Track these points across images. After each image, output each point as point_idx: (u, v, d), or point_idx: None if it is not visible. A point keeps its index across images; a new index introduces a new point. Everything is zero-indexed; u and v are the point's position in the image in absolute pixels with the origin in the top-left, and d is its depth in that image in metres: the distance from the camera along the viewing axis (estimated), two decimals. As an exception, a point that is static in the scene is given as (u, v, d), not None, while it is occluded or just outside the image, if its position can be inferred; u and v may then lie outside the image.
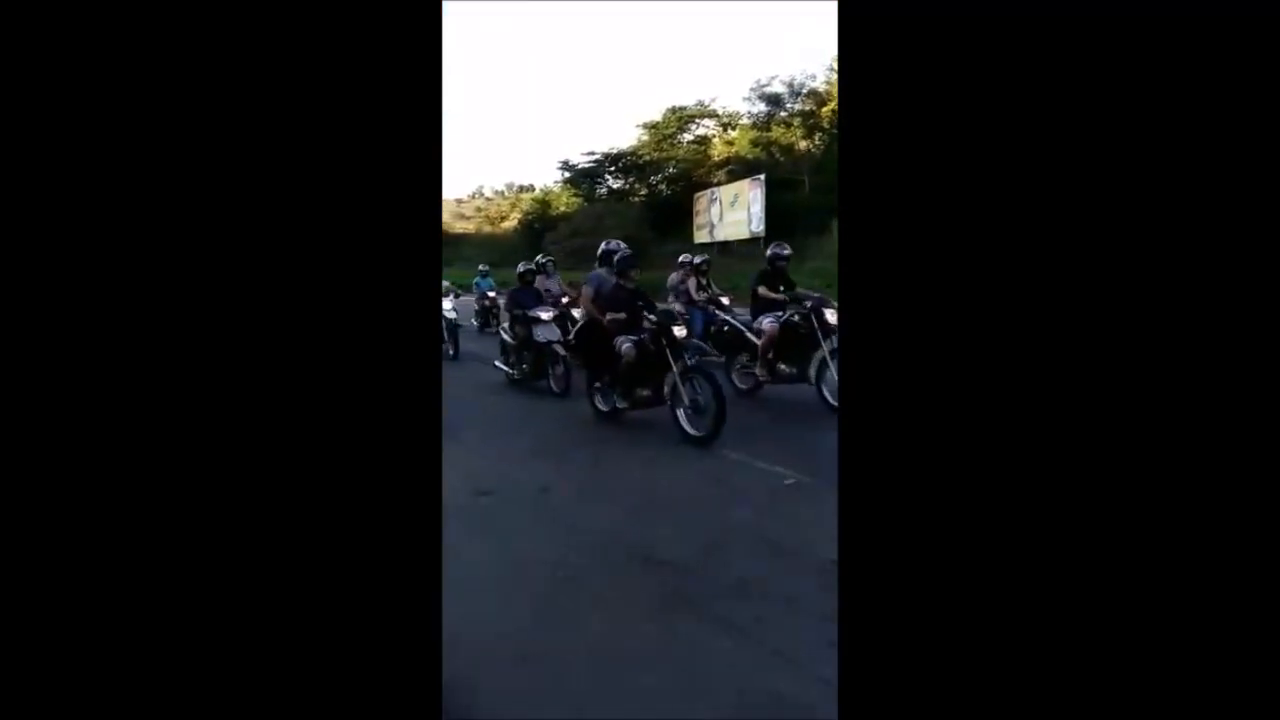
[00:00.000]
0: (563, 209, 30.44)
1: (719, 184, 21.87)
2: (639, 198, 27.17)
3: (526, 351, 6.01)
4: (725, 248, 20.39)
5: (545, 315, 5.94)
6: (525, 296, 6.31)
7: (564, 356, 5.57)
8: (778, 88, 23.93)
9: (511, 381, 6.30)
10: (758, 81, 26.91)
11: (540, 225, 30.40)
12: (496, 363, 6.56)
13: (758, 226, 18.62)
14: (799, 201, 19.23)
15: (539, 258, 7.26)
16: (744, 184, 19.95)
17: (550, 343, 5.73)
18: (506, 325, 6.42)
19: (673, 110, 26.28)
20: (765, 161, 21.99)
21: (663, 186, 26.52)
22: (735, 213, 20.00)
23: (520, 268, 6.69)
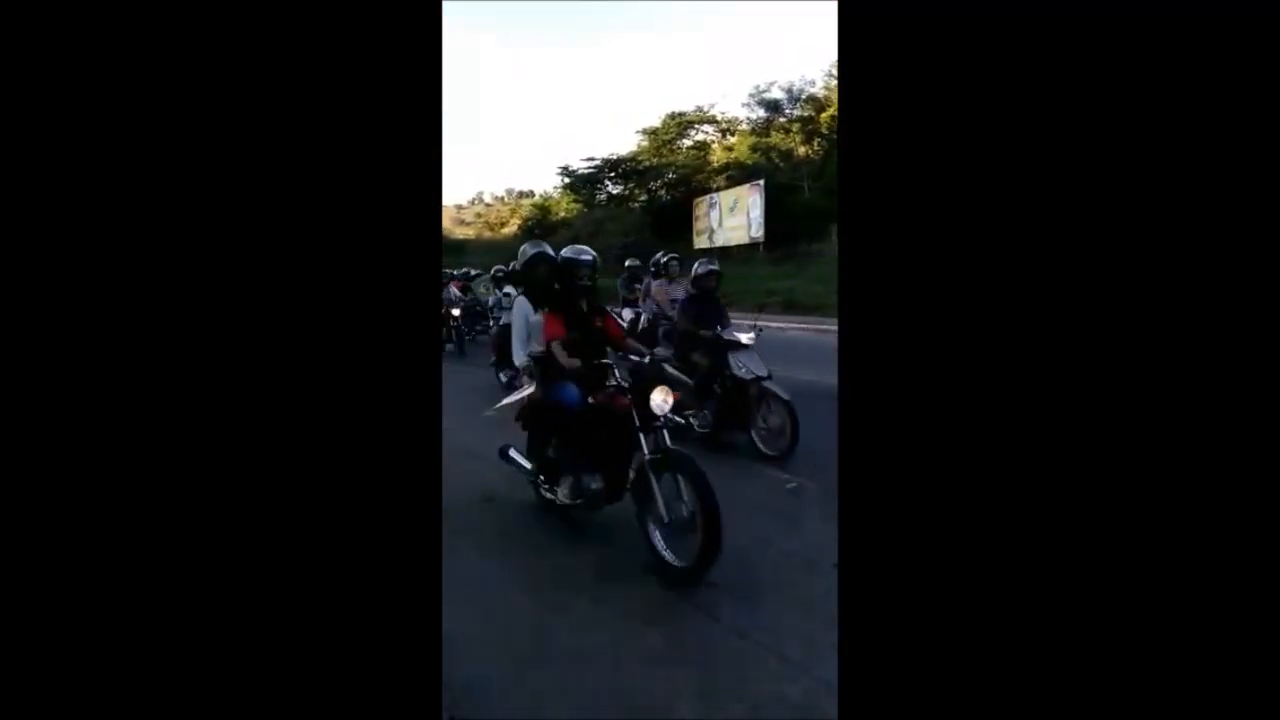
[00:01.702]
0: (563, 214, 30.57)
1: (718, 189, 21.92)
2: (639, 203, 27.25)
3: (710, 393, 4.06)
4: (725, 253, 20.42)
5: (745, 339, 3.96)
6: (708, 311, 4.18)
7: (786, 400, 3.71)
8: (776, 94, 24.07)
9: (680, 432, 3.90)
10: (756, 87, 27.10)
11: (540, 231, 30.48)
12: None
13: (757, 232, 18.66)
14: (798, 206, 19.29)
15: (659, 256, 5.09)
16: (743, 189, 20.00)
17: (758, 379, 3.81)
18: (671, 351, 4.39)
19: (672, 116, 26.38)
20: (764, 167, 22.07)
21: (662, 192, 26.58)
22: (735, 218, 20.03)
23: (698, 268, 4.39)
